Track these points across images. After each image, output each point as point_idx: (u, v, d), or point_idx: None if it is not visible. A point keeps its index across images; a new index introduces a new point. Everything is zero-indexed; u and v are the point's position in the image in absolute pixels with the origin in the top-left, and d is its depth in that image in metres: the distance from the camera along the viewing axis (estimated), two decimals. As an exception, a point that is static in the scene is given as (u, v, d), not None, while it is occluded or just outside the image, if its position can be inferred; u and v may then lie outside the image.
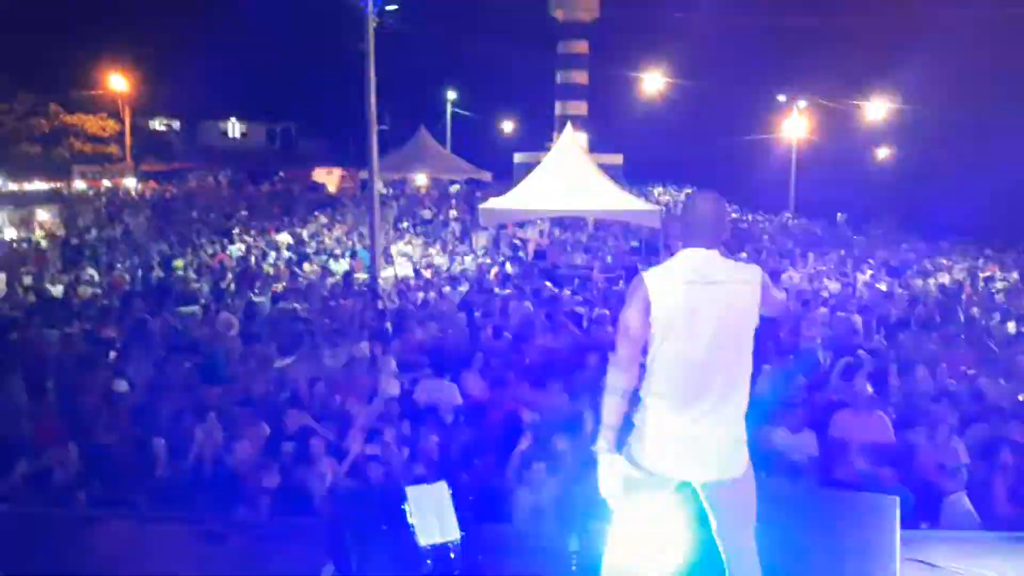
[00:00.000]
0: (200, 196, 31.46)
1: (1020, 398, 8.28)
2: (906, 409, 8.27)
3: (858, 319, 11.49)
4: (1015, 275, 17.85)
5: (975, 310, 13.17)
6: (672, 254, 3.29)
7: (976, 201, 26.50)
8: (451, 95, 41.96)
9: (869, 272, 17.99)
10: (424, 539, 3.82)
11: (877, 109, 24.62)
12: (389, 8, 17.27)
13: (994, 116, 27.30)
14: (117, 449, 6.48)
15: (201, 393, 8.15)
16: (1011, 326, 11.77)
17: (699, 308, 3.08)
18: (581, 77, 38.00)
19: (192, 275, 15.64)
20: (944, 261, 20.91)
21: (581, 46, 37.64)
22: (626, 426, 3.25)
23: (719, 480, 3.18)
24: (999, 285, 16.00)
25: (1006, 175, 28.29)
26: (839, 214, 31.51)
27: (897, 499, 3.78)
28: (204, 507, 5.45)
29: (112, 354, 9.47)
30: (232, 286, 14.71)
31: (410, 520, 3.83)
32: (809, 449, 6.91)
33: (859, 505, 3.86)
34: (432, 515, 3.87)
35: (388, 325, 11.43)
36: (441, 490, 3.95)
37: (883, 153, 36.15)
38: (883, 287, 15.57)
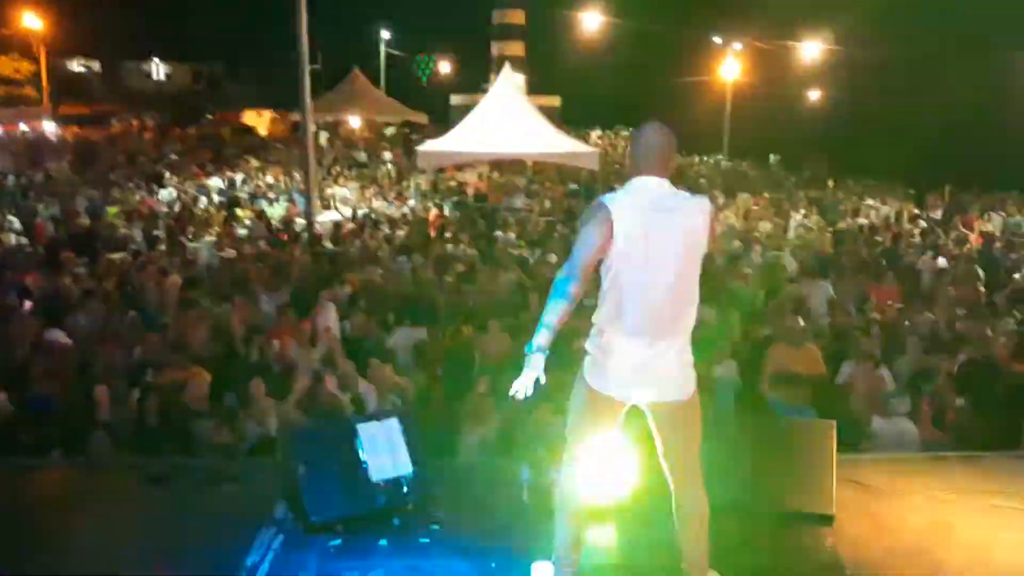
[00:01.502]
0: (124, 140, 30.30)
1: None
2: (835, 341, 8.61)
3: (791, 258, 11.78)
4: (939, 214, 18.48)
5: (902, 246, 13.61)
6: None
7: (904, 142, 27.19)
8: (384, 35, 40.87)
9: (802, 212, 18.40)
10: (377, 474, 3.85)
11: (810, 51, 24.92)
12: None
13: (924, 59, 27.92)
14: (57, 398, 6.32)
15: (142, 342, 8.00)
16: (940, 261, 12.20)
17: (655, 234, 3.13)
18: (518, 17, 37.45)
19: (121, 221, 15.13)
20: (871, 201, 21.51)
21: (517, -17, 37.03)
22: (581, 353, 3.31)
23: (669, 402, 3.26)
24: (923, 224, 16.55)
25: (934, 117, 29.07)
26: (771, 156, 32.05)
27: (834, 423, 3.95)
28: (149, 452, 5.37)
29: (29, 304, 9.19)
30: (163, 232, 14.31)
31: (362, 456, 3.85)
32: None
33: (798, 430, 4.02)
34: (384, 451, 3.89)
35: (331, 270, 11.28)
36: (392, 425, 3.97)
37: (815, 95, 36.75)
38: (814, 227, 15.98)
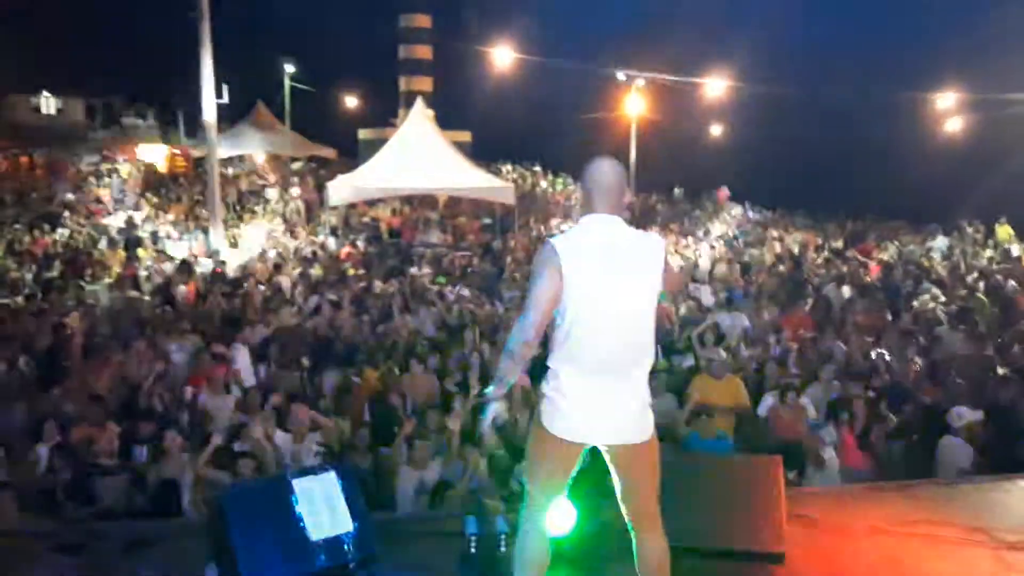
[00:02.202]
0: (12, 177, 28.73)
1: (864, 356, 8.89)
2: (754, 372, 8.76)
3: (706, 288, 12.00)
4: (840, 243, 19.25)
5: (807, 276, 14.07)
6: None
7: (800, 174, 28.43)
8: (289, 68, 40.24)
9: (710, 244, 18.87)
10: (315, 532, 3.62)
11: (712, 88, 25.84)
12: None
13: (818, 94, 29.31)
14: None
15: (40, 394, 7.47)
16: (845, 290, 12.64)
17: (607, 275, 3.07)
18: (424, 52, 37.56)
19: (11, 263, 14.24)
20: (774, 232, 22.26)
21: (423, 20, 37.16)
22: (536, 396, 3.22)
23: (627, 444, 3.19)
24: (826, 253, 17.19)
25: (828, 150, 30.53)
26: (675, 188, 32.88)
27: (780, 458, 3.94)
28: (59, 516, 4.94)
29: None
30: (58, 274, 13.53)
31: (299, 513, 3.62)
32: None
33: (744, 466, 4.00)
34: (322, 506, 3.67)
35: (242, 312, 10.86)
36: (330, 479, 3.76)
37: (717, 130, 38.03)
38: (723, 258, 16.38)
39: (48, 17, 38.81)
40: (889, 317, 11.00)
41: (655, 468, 3.28)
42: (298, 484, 3.68)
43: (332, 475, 3.76)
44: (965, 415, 6.99)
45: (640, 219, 23.97)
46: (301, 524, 3.60)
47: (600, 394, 3.13)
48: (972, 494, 4.78)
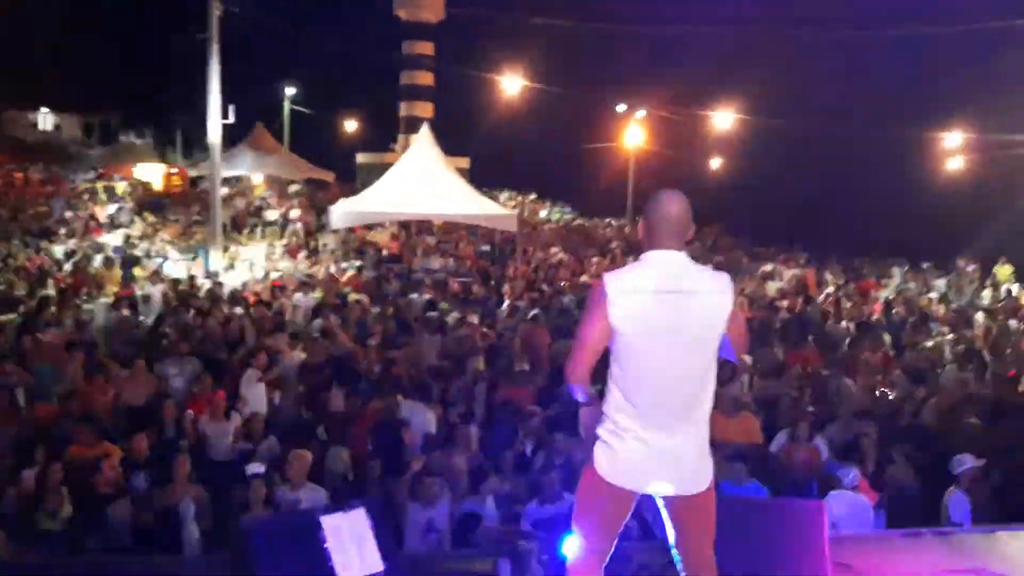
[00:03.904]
0: (7, 193, 28.50)
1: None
2: (766, 410, 8.63)
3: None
4: (841, 279, 19.23)
5: (813, 312, 13.99)
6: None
7: (799, 209, 28.52)
8: (289, 91, 40.37)
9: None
10: (343, 572, 3.47)
11: (712, 121, 26.00)
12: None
13: (814, 129, 29.49)
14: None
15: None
16: (851, 326, 12.56)
17: (663, 319, 2.95)
18: (426, 78, 37.68)
19: (15, 278, 14.05)
20: (769, 267, 22.24)
21: (426, 47, 37.33)
22: (592, 440, 3.09)
23: (685, 494, 3.06)
24: (830, 289, 17.13)
25: (822, 184, 30.69)
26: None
27: (823, 503, 3.81)
28: (60, 549, 4.74)
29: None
30: (54, 292, 13.33)
31: (326, 553, 3.46)
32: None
33: (788, 512, 3.87)
34: (351, 545, 3.52)
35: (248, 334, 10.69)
36: (359, 517, 3.60)
37: (715, 163, 38.22)
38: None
39: (48, 33, 38.76)
40: (893, 355, 10.93)
41: (712, 517, 3.15)
42: (326, 521, 3.53)
43: (362, 512, 3.61)
44: (966, 462, 6.79)
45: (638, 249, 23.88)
46: (329, 563, 3.45)
47: (657, 442, 3.00)
48: (1011, 543, 4.66)
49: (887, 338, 12.12)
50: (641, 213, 3.18)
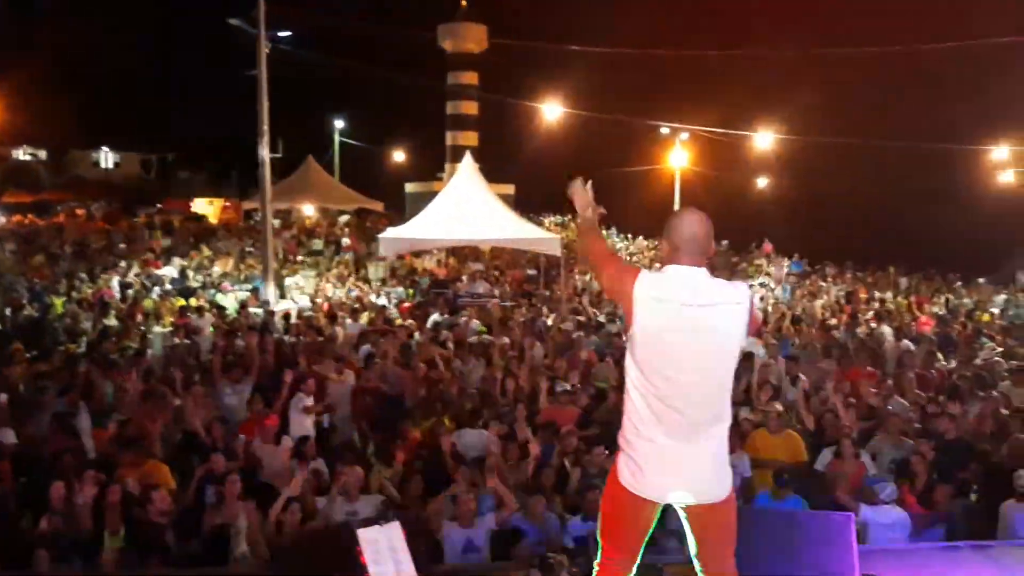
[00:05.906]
0: (71, 228, 29.63)
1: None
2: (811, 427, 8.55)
3: (761, 342, 11.80)
4: (889, 294, 18.92)
5: (860, 328, 13.82)
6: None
7: (846, 226, 28.12)
8: (339, 124, 41.34)
9: (759, 296, 18.68)
10: (380, 583, 3.59)
11: (757, 141, 25.90)
12: (282, 33, 16.88)
13: (863, 148, 29.17)
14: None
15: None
16: (904, 343, 12.37)
17: (681, 333, 3.02)
18: (471, 108, 38.30)
19: (78, 309, 14.63)
20: (822, 283, 21.98)
21: (470, 77, 37.98)
22: (613, 448, 3.18)
23: (705, 503, 3.12)
24: (877, 305, 16.89)
25: (871, 202, 30.23)
26: (722, 241, 32.73)
27: (852, 516, 3.83)
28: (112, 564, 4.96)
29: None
30: (116, 323, 13.83)
31: (364, 564, 3.60)
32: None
33: (816, 525, 3.89)
34: (387, 558, 3.65)
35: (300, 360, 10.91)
36: (394, 531, 3.73)
37: (762, 182, 37.97)
38: (775, 311, 16.16)
39: (108, 74, 40.38)
40: (947, 371, 10.73)
41: (733, 526, 3.18)
42: (362, 535, 3.67)
43: (397, 525, 3.74)
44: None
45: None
46: (365, 574, 3.58)
47: (676, 452, 3.06)
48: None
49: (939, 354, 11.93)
50: (665, 230, 3.20)
